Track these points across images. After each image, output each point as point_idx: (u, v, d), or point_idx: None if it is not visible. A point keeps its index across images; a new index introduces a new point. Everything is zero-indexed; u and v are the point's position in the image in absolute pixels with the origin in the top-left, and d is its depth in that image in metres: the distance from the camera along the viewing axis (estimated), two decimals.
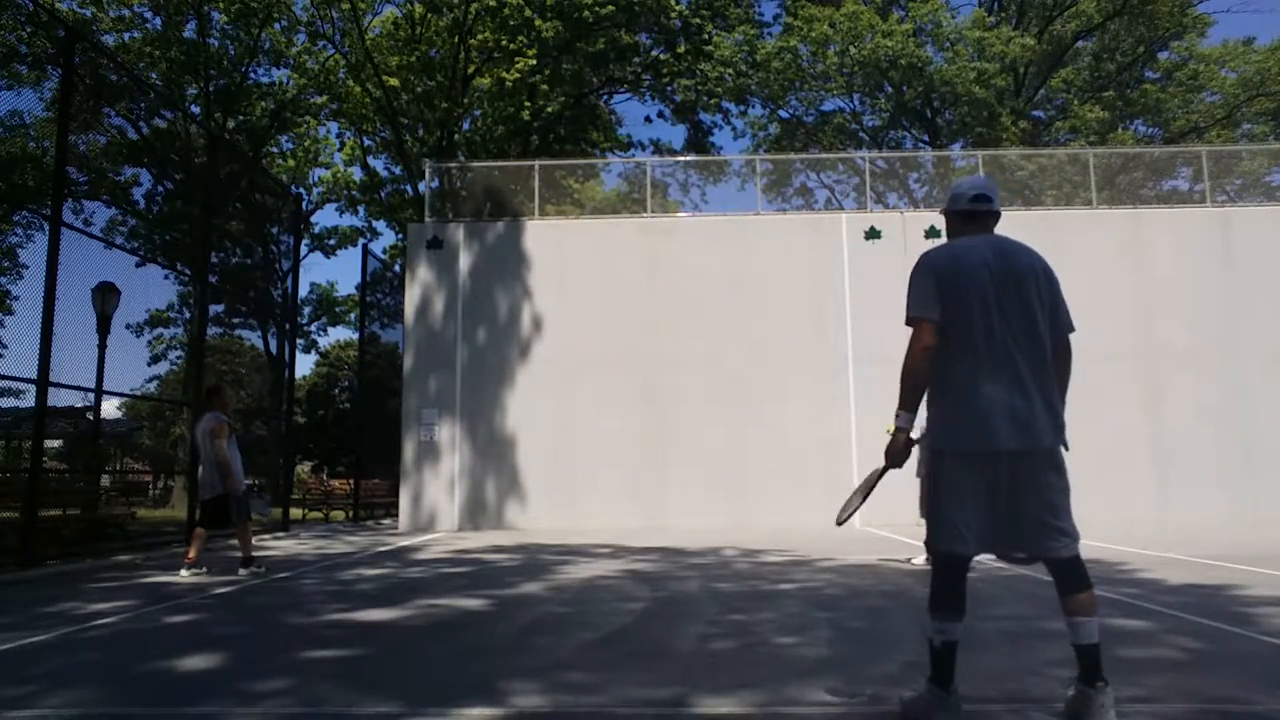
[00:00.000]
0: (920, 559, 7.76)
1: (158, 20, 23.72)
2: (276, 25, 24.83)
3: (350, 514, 18.80)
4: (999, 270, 3.00)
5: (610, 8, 22.16)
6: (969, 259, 3.04)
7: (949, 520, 2.95)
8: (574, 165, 24.92)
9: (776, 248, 15.46)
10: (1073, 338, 3.12)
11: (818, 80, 27.15)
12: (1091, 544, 9.07)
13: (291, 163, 28.36)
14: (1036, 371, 2.94)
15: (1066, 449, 2.98)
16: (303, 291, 32.18)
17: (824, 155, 29.04)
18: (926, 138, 29.38)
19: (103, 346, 11.54)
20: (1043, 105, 29.60)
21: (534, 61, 22.02)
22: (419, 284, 15.62)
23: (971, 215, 3.17)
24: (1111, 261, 15.05)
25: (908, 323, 3.04)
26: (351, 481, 20.24)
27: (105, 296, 11.65)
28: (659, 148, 28.11)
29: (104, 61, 16.54)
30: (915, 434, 3.13)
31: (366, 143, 27.26)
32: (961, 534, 2.92)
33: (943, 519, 2.98)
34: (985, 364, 2.94)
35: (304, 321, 32.41)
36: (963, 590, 2.98)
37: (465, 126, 25.56)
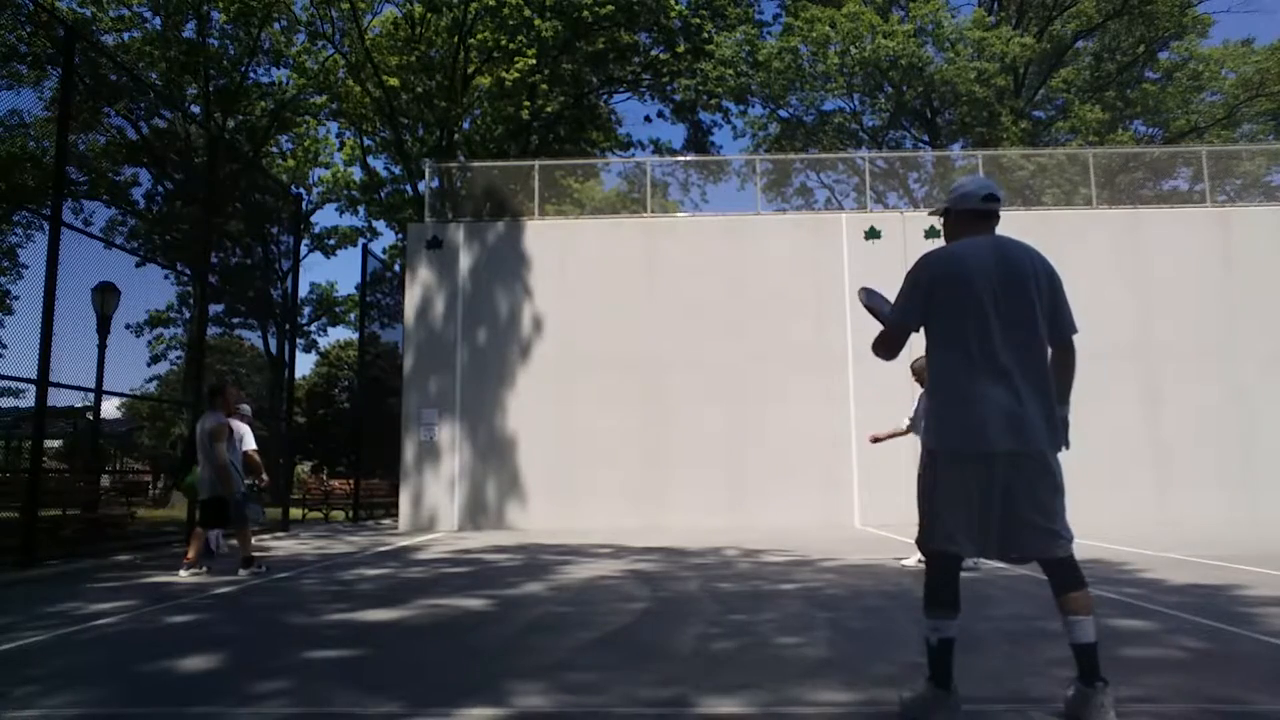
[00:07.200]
0: (912, 559, 7.72)
1: (157, 20, 23.76)
2: (276, 25, 24.86)
3: (350, 514, 18.79)
4: (1000, 272, 3.01)
5: (610, 8, 22.18)
6: (970, 261, 3.05)
7: (942, 520, 2.97)
8: (574, 165, 24.93)
9: (776, 248, 15.46)
10: (1073, 338, 3.12)
11: (818, 80, 27.14)
12: (1092, 544, 9.07)
13: (291, 163, 28.37)
14: (1033, 374, 2.95)
15: (1067, 448, 2.98)
16: (303, 291, 32.20)
17: (824, 155, 29.02)
18: (926, 138, 29.38)
19: (103, 346, 11.55)
20: (1043, 105, 29.58)
21: (534, 61, 22.04)
22: (419, 284, 15.62)
23: (981, 215, 3.18)
24: (1111, 261, 15.05)
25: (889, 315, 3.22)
26: (351, 481, 20.24)
27: (105, 296, 11.65)
28: (659, 147, 28.11)
29: (104, 61, 16.55)
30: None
31: (366, 143, 27.28)
32: (954, 534, 2.93)
33: (936, 519, 2.99)
34: (981, 366, 2.94)
35: (304, 321, 32.42)
36: (956, 588, 2.99)
37: (465, 126, 25.57)
